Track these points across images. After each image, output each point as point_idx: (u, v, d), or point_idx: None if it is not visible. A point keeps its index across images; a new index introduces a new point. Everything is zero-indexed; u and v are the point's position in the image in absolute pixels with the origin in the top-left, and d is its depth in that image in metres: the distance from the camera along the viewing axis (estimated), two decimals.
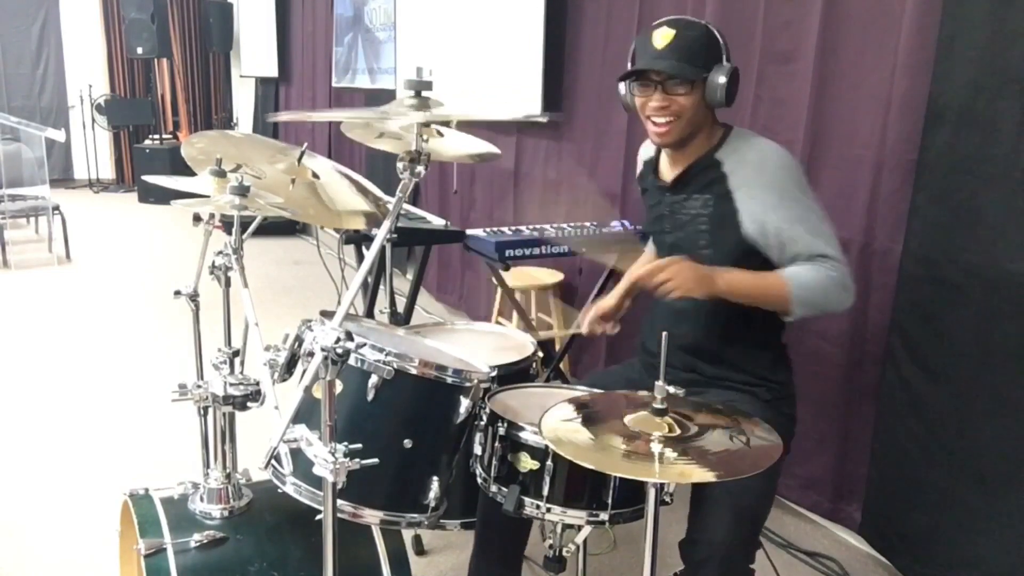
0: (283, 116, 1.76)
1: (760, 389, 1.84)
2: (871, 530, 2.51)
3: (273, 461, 1.47)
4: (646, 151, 2.06)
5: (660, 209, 1.94)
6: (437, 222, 3.41)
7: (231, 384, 1.80)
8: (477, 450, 1.66)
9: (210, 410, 1.85)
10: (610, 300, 2.00)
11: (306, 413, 1.45)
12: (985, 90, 2.03)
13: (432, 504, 1.60)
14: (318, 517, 1.40)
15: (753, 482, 1.63)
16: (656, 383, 1.38)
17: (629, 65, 1.85)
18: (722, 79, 1.74)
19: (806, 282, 1.69)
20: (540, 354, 2.08)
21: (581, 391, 1.77)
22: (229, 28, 9.16)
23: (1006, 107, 1.99)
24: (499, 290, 3.52)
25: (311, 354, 1.32)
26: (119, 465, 3.05)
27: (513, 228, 3.31)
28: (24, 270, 5.88)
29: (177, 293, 1.95)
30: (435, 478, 1.59)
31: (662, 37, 1.77)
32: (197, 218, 1.95)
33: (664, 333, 1.41)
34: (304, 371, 1.37)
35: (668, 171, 1.92)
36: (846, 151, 2.45)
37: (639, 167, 2.09)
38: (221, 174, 1.81)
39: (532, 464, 1.55)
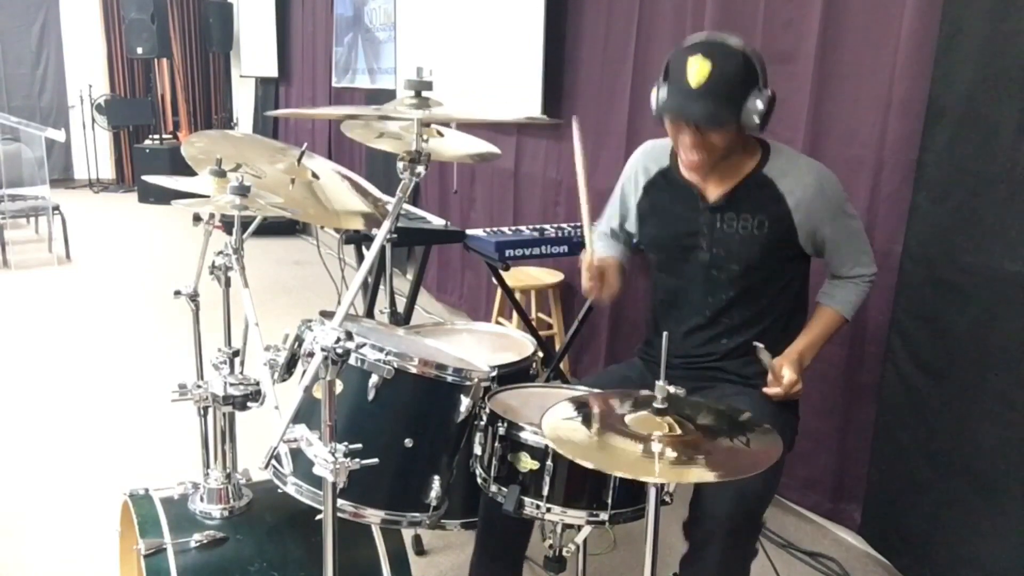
0: (282, 112, 1.75)
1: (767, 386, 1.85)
2: (871, 530, 2.51)
3: (273, 461, 1.47)
4: (657, 158, 1.98)
5: (693, 226, 1.89)
6: (437, 222, 3.41)
7: (231, 384, 1.80)
8: (477, 450, 1.66)
9: (210, 410, 1.84)
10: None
11: (306, 413, 1.45)
12: (985, 90, 2.03)
13: (433, 503, 1.60)
14: (318, 517, 1.40)
15: (752, 493, 1.65)
16: (656, 383, 1.38)
17: (661, 77, 1.76)
18: (759, 106, 1.69)
19: (854, 304, 1.95)
20: (540, 354, 2.08)
21: (581, 391, 1.77)
22: (229, 28, 9.16)
23: (1006, 107, 1.99)
24: (499, 290, 3.52)
25: (311, 354, 1.32)
26: (119, 465, 3.05)
27: (513, 228, 3.31)
28: (24, 270, 5.88)
29: (177, 293, 1.95)
30: (436, 477, 1.59)
31: (697, 72, 1.67)
32: (197, 218, 1.95)
33: (664, 333, 1.41)
34: (304, 371, 1.37)
35: (708, 189, 1.87)
36: (846, 151, 2.45)
37: (643, 173, 2.00)
38: (221, 174, 1.81)
39: (532, 464, 1.55)
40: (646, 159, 2.00)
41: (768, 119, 1.74)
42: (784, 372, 1.78)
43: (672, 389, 1.40)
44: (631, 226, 2.07)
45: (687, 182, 1.90)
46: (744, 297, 1.88)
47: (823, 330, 1.91)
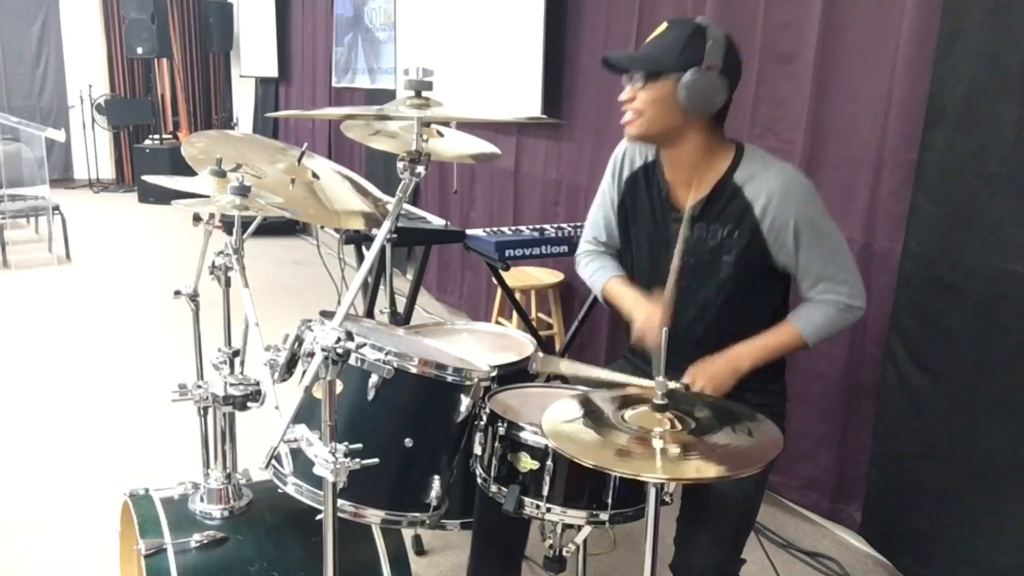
0: (282, 113, 1.76)
1: (750, 395, 1.80)
2: (871, 530, 2.51)
3: (273, 461, 1.47)
4: (643, 151, 1.91)
5: (664, 233, 1.84)
6: (437, 222, 3.41)
7: (231, 384, 1.80)
8: (477, 450, 1.65)
9: (210, 410, 1.85)
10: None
11: (306, 413, 1.45)
12: (985, 90, 2.03)
13: (433, 503, 1.60)
14: (318, 517, 1.40)
15: (737, 504, 1.66)
16: (656, 379, 1.38)
17: None
18: (684, 79, 1.66)
19: (817, 326, 1.77)
20: (540, 354, 2.08)
21: (581, 391, 1.77)
22: (229, 28, 9.16)
23: (1006, 107, 1.99)
24: (499, 290, 3.52)
25: (311, 354, 1.32)
26: (119, 465, 3.05)
27: (513, 228, 3.31)
28: (24, 270, 5.88)
29: (177, 293, 1.95)
30: (436, 477, 1.59)
31: (655, 32, 1.75)
32: (197, 218, 1.95)
33: (664, 329, 1.40)
34: (304, 371, 1.37)
35: (681, 195, 1.81)
36: (846, 151, 2.45)
37: (628, 165, 1.93)
38: (221, 174, 1.81)
39: (532, 464, 1.55)
40: (633, 150, 1.93)
41: (703, 98, 1.68)
42: (689, 377, 1.70)
43: (672, 384, 1.40)
44: (613, 226, 2.00)
45: (666, 183, 1.84)
46: (716, 312, 1.80)
47: (773, 340, 1.77)
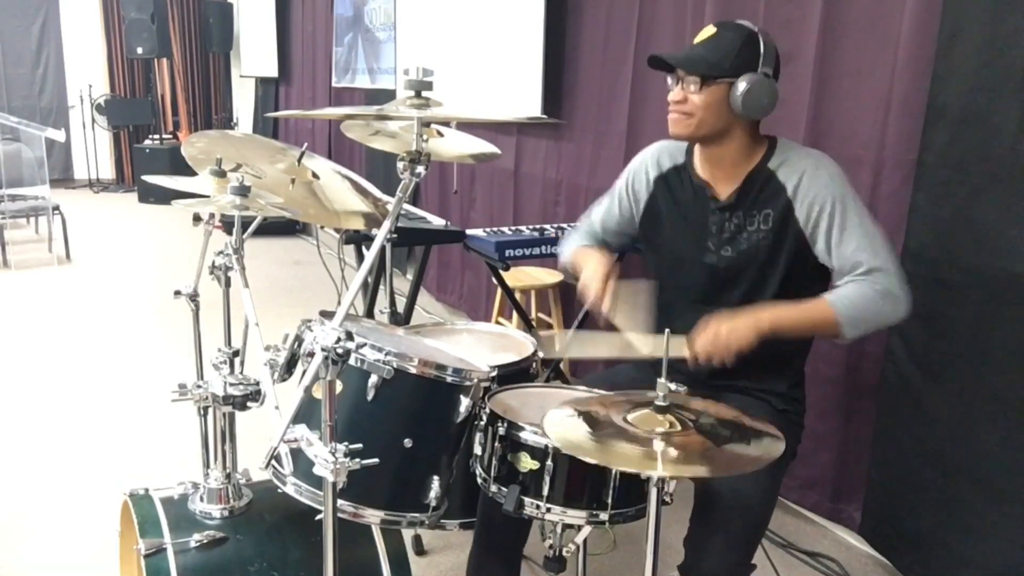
0: (282, 113, 1.76)
1: (775, 399, 1.83)
2: (871, 530, 2.51)
3: (273, 461, 1.47)
4: (673, 154, 1.93)
5: (703, 227, 1.84)
6: (437, 222, 3.41)
7: (231, 384, 1.80)
8: (477, 450, 1.66)
9: (210, 410, 1.85)
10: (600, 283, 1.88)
11: (306, 413, 1.45)
12: (985, 90, 2.03)
13: (433, 504, 1.60)
14: (318, 517, 1.40)
15: (750, 510, 1.66)
16: (658, 380, 1.38)
17: None
18: (742, 85, 1.69)
19: (851, 301, 1.68)
20: (540, 354, 2.08)
21: (582, 391, 1.77)
22: (229, 28, 9.17)
23: (1006, 107, 1.99)
24: (499, 290, 3.52)
25: (311, 354, 1.32)
26: (119, 465, 3.05)
27: (513, 228, 3.32)
28: (24, 270, 5.88)
29: (177, 293, 1.95)
30: (435, 477, 1.59)
31: (702, 33, 1.75)
32: (197, 218, 1.95)
33: (667, 330, 1.40)
34: (304, 371, 1.37)
35: (719, 187, 1.82)
36: (846, 151, 2.45)
37: (654, 167, 1.94)
38: (221, 174, 1.81)
39: (532, 464, 1.55)
40: (660, 154, 1.94)
41: (759, 103, 1.71)
42: (704, 331, 1.67)
43: (674, 387, 1.40)
44: (624, 227, 2.03)
45: (700, 180, 1.85)
46: (752, 303, 1.77)
47: (800, 309, 1.70)
